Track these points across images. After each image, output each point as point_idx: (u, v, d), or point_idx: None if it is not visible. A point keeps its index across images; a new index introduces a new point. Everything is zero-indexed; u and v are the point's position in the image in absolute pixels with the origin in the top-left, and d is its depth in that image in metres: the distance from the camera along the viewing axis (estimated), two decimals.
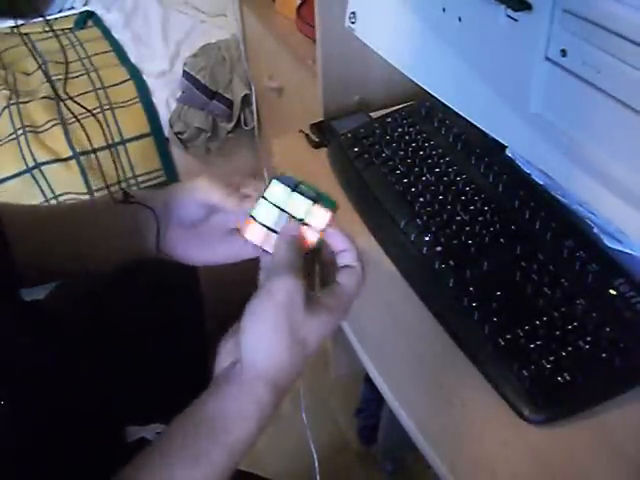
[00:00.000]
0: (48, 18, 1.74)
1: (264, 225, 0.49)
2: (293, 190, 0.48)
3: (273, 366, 0.42)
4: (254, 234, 0.49)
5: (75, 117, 0.56)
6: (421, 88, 0.67)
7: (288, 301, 0.42)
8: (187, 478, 0.40)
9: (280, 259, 0.45)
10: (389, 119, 0.83)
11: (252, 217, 0.49)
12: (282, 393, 0.43)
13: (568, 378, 0.51)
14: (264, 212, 0.49)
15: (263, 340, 0.42)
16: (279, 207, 0.49)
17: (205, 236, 0.56)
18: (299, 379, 0.45)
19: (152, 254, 0.57)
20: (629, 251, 0.61)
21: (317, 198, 0.48)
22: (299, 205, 0.48)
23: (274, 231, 0.48)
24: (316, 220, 0.48)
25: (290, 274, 0.43)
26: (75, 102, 0.52)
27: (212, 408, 0.42)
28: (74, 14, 1.78)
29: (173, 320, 0.70)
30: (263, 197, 0.49)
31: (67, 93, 0.52)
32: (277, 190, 0.48)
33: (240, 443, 0.42)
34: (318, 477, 0.59)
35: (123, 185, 1.53)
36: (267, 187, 0.49)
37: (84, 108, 0.54)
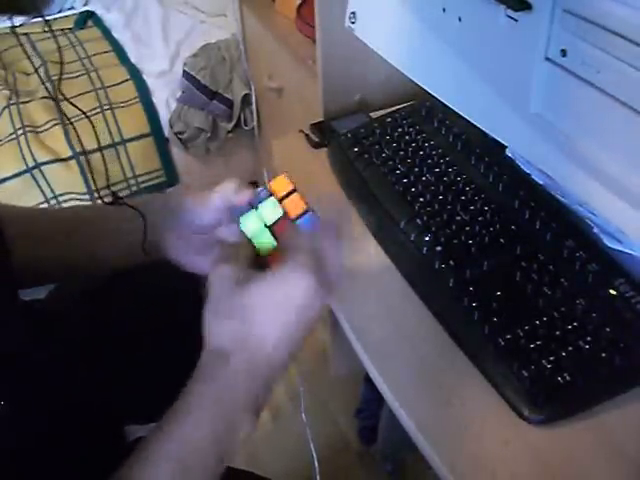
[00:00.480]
0: (48, 18, 1.73)
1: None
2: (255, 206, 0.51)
3: (213, 336, 0.43)
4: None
5: (75, 117, 0.56)
6: (421, 88, 0.67)
7: (217, 282, 0.44)
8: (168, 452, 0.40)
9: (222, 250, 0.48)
10: (389, 119, 0.83)
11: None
12: (238, 359, 0.42)
13: (568, 378, 0.51)
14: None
15: (205, 322, 0.44)
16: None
17: (209, 245, 0.56)
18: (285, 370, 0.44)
19: (152, 257, 0.57)
20: (629, 251, 0.61)
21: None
22: (270, 210, 0.50)
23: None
24: (292, 208, 0.50)
25: (224, 261, 0.45)
26: (71, 103, 0.52)
27: (199, 387, 0.42)
28: (74, 14, 1.78)
29: (173, 320, 0.70)
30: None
31: (63, 94, 0.52)
32: (250, 220, 0.50)
33: (229, 432, 0.41)
34: (318, 477, 0.59)
35: (123, 185, 1.53)
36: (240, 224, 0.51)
37: (80, 110, 0.54)
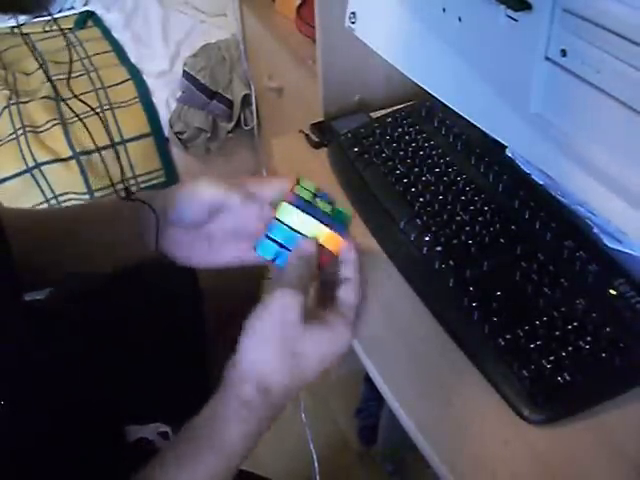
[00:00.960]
0: (48, 18, 1.73)
1: (276, 242, 0.49)
2: (306, 211, 0.48)
3: (260, 369, 0.44)
4: (266, 250, 0.49)
5: (77, 116, 0.56)
6: (421, 88, 0.67)
7: (282, 313, 0.43)
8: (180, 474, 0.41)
9: (287, 274, 0.46)
10: (389, 119, 0.83)
11: (266, 236, 0.49)
12: (273, 402, 0.44)
13: (568, 378, 0.51)
14: (277, 232, 0.49)
15: (253, 348, 0.44)
16: (292, 228, 0.49)
17: (208, 238, 0.56)
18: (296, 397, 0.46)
19: (153, 254, 0.57)
20: (629, 251, 0.61)
21: (331, 216, 0.49)
22: (312, 228, 0.48)
23: (286, 248, 0.49)
24: (330, 245, 0.48)
25: (289, 288, 0.44)
26: (79, 99, 0.52)
27: (204, 413, 0.44)
28: (74, 14, 1.78)
29: (173, 320, 0.70)
30: (276, 218, 0.49)
31: (72, 91, 0.52)
32: (288, 212, 0.49)
33: (231, 445, 0.43)
34: (318, 477, 0.59)
35: (123, 185, 1.53)
36: (278, 209, 0.49)
37: (87, 105, 0.54)
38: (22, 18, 0.42)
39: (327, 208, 0.50)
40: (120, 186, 0.54)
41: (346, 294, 0.48)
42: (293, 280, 0.45)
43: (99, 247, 0.57)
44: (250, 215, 0.52)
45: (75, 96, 0.52)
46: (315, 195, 0.51)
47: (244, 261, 0.56)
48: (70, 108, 0.55)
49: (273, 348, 0.43)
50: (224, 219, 0.55)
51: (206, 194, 0.53)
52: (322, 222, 0.48)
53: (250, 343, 0.44)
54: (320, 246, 0.48)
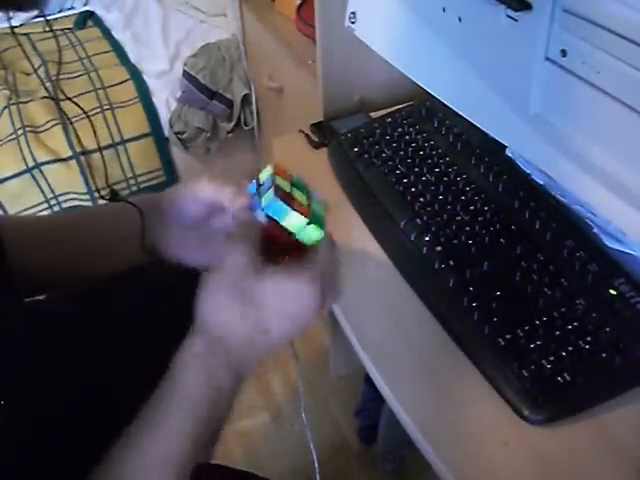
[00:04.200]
0: (48, 18, 1.73)
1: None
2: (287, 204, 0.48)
3: (210, 320, 0.44)
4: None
5: (76, 115, 0.56)
6: (421, 88, 0.67)
7: (231, 264, 0.44)
8: (151, 441, 0.42)
9: (233, 236, 0.47)
10: (389, 119, 0.83)
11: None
12: (233, 349, 0.44)
13: (568, 378, 0.51)
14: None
15: (203, 300, 0.44)
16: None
17: (208, 239, 0.56)
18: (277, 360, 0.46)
19: (152, 257, 0.57)
20: (629, 251, 0.61)
21: (309, 204, 0.49)
22: (293, 220, 0.48)
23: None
24: (308, 238, 0.48)
25: (235, 244, 0.45)
26: (75, 103, 0.53)
27: (167, 374, 0.44)
28: (74, 14, 1.78)
29: (173, 320, 0.70)
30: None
31: (64, 93, 0.52)
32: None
33: (188, 398, 0.43)
34: (318, 477, 0.59)
35: (123, 185, 1.53)
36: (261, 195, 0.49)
37: (85, 105, 0.54)
38: (20, 18, 0.42)
39: (304, 200, 0.50)
40: (120, 187, 0.54)
41: (313, 258, 0.47)
42: (237, 238, 0.46)
43: (97, 253, 0.58)
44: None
45: (75, 96, 0.53)
46: (292, 185, 0.51)
47: None
48: (70, 107, 0.55)
49: (222, 297, 0.44)
50: (221, 220, 0.55)
51: (200, 192, 0.54)
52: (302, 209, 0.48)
53: (201, 298, 0.44)
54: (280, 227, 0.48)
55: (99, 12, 1.78)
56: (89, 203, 1.45)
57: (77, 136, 1.42)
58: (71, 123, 1.42)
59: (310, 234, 0.48)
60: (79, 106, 0.50)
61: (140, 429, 0.42)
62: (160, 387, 0.44)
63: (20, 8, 0.41)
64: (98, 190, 0.54)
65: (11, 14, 0.44)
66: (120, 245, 0.57)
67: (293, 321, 0.45)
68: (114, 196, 0.56)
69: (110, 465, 0.42)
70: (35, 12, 0.42)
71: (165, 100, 1.54)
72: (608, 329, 0.54)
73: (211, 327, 0.44)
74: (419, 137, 0.79)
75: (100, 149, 1.44)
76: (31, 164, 1.39)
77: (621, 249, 0.62)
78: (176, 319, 0.71)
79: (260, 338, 0.44)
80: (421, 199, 0.69)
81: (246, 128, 1.62)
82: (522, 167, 0.72)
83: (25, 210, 1.43)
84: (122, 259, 0.58)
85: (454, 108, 0.63)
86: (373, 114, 0.92)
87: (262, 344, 0.45)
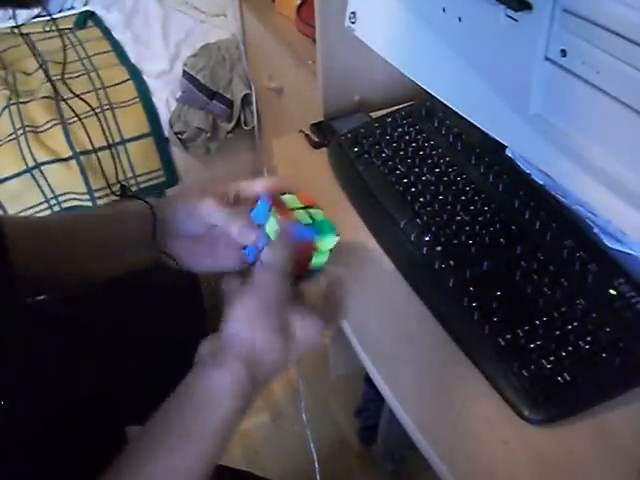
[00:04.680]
0: (48, 18, 1.74)
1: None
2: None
3: (247, 343, 0.44)
4: (259, 215, 0.51)
5: (76, 115, 0.56)
6: (421, 88, 0.67)
7: (271, 291, 0.44)
8: (163, 461, 0.41)
9: (271, 258, 0.46)
10: (389, 119, 0.83)
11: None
12: (258, 377, 0.44)
13: (568, 378, 0.51)
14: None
15: (241, 323, 0.44)
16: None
17: (210, 245, 0.57)
18: (286, 373, 0.46)
19: (154, 258, 0.57)
20: (629, 251, 0.61)
21: (314, 227, 0.50)
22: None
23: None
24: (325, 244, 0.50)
25: (277, 270, 0.45)
26: (80, 98, 0.53)
27: (190, 388, 0.44)
28: (74, 14, 1.78)
29: (174, 320, 0.70)
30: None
31: (72, 91, 0.52)
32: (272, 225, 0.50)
33: (223, 421, 0.43)
34: (318, 477, 0.59)
35: (119, 183, 1.53)
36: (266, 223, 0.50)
37: (87, 104, 0.54)
38: (21, 19, 0.42)
39: (307, 220, 0.51)
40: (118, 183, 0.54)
41: (336, 285, 0.49)
42: (277, 261, 0.46)
43: (97, 255, 0.58)
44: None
45: (77, 95, 0.53)
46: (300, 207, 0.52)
47: (242, 265, 0.56)
48: (70, 107, 0.55)
49: (262, 325, 0.44)
50: (222, 229, 0.55)
51: (211, 218, 0.54)
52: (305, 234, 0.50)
53: (239, 322, 0.45)
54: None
55: (99, 12, 1.78)
56: (89, 203, 1.45)
57: (77, 136, 1.42)
58: (71, 123, 1.42)
59: (325, 239, 0.49)
60: (85, 101, 0.50)
61: (161, 444, 0.42)
62: (193, 408, 0.43)
63: (21, 5, 0.41)
64: (110, 186, 0.53)
65: (11, 12, 0.44)
66: (118, 248, 0.57)
67: (310, 346, 0.46)
68: (124, 192, 0.56)
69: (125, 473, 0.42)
70: (37, 9, 0.42)
71: (165, 100, 1.54)
72: (608, 329, 0.54)
73: (249, 354, 0.44)
74: (419, 137, 0.79)
75: (100, 149, 1.44)
76: (31, 164, 1.39)
77: (621, 249, 0.62)
78: (177, 322, 0.72)
79: (283, 364, 0.46)
80: (421, 199, 0.69)
81: (246, 128, 1.62)
82: (522, 167, 0.72)
83: (25, 210, 1.43)
84: (124, 264, 0.58)
85: (454, 108, 0.63)
86: (373, 114, 0.92)
87: (283, 369, 0.46)
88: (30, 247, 0.54)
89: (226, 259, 0.57)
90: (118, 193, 0.57)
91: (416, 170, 0.73)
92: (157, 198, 0.60)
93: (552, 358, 0.52)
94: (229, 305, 0.45)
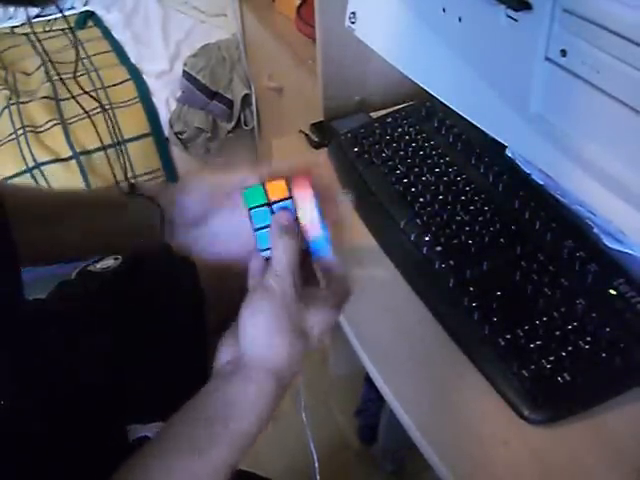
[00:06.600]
0: (48, 18, 1.74)
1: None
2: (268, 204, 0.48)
3: (274, 357, 0.44)
4: (263, 241, 0.50)
5: (75, 117, 0.56)
6: (421, 88, 0.67)
7: (284, 295, 0.44)
8: (185, 468, 0.41)
9: (277, 258, 0.46)
10: (389, 119, 0.83)
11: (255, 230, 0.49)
12: (284, 384, 0.44)
13: (568, 378, 0.51)
14: (257, 218, 0.49)
15: (262, 333, 0.44)
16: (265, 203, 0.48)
17: (213, 235, 0.57)
18: (299, 375, 0.46)
19: (152, 245, 0.58)
20: (629, 251, 0.61)
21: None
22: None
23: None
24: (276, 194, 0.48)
25: (285, 271, 0.45)
26: (87, 93, 0.53)
27: (214, 399, 0.44)
28: (74, 14, 1.78)
29: (173, 319, 0.70)
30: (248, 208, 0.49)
31: (82, 88, 0.52)
32: (251, 194, 0.48)
33: (241, 434, 0.43)
34: (318, 477, 0.59)
35: (123, 185, 1.53)
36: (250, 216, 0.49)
37: (83, 109, 0.54)
38: (20, 19, 0.42)
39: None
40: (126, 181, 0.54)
41: (341, 273, 0.48)
42: (282, 262, 0.45)
43: (94, 232, 0.58)
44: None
45: (76, 96, 0.53)
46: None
47: (248, 257, 0.56)
48: (78, 103, 0.55)
49: (282, 330, 0.44)
50: (228, 215, 0.55)
51: (207, 185, 0.54)
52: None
53: (256, 324, 0.44)
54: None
55: (99, 12, 1.78)
56: None
57: (77, 136, 1.42)
58: (71, 123, 1.42)
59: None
60: (90, 95, 0.50)
61: (181, 451, 0.42)
62: (220, 420, 0.43)
63: (33, 2, 0.41)
64: (119, 182, 0.54)
65: (11, 12, 0.44)
66: (116, 230, 0.58)
67: (322, 336, 0.46)
68: (133, 191, 0.56)
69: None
70: (51, 7, 0.42)
71: (165, 100, 1.54)
72: (608, 329, 0.54)
73: (273, 362, 0.44)
74: (419, 137, 0.79)
75: (100, 149, 1.44)
76: (31, 164, 1.39)
77: (621, 249, 0.62)
78: (177, 319, 0.71)
79: (299, 363, 0.46)
80: (421, 199, 0.69)
81: (246, 128, 1.62)
82: (522, 167, 0.72)
83: None
84: (117, 243, 0.59)
85: (454, 108, 0.63)
86: (373, 114, 0.92)
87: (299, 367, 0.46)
88: (31, 212, 0.54)
89: (229, 251, 0.57)
90: (126, 192, 0.57)
91: (416, 170, 0.73)
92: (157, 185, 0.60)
93: (552, 358, 0.52)
94: (246, 308, 0.45)
